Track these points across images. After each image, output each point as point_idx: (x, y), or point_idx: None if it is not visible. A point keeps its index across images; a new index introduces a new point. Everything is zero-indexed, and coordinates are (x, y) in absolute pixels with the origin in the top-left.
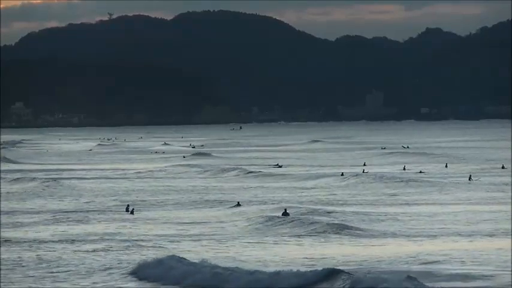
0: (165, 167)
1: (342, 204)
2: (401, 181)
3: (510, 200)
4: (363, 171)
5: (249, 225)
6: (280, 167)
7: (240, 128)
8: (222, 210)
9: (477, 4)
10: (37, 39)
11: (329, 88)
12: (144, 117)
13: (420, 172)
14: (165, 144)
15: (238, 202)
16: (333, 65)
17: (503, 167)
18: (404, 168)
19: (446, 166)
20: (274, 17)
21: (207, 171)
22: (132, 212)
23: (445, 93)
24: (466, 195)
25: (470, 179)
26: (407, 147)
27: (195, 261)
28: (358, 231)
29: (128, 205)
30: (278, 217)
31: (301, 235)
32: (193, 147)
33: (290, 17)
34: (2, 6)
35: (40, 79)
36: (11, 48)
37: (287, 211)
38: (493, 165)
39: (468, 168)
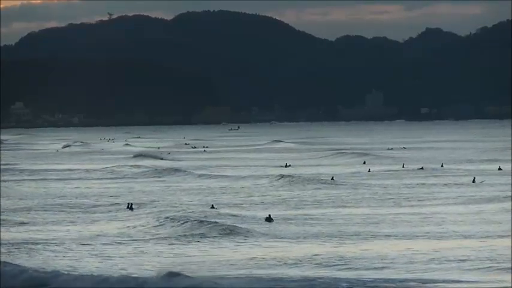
0: (104, 168)
1: (256, 208)
2: (325, 183)
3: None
4: (368, 171)
5: (133, 228)
6: (288, 166)
7: (238, 127)
8: (114, 213)
9: (477, 4)
10: (37, 39)
11: (329, 88)
12: (144, 117)
13: (421, 168)
14: (127, 145)
15: (131, 204)
16: (333, 65)
17: (499, 169)
18: (403, 166)
19: (442, 166)
20: (274, 17)
21: (139, 173)
22: (131, 208)
23: (445, 93)
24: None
25: (474, 181)
26: (404, 148)
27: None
28: (249, 235)
29: (129, 203)
30: (169, 219)
31: (182, 238)
32: (194, 148)
33: (290, 17)
34: (2, 6)
35: (40, 79)
36: (11, 48)
37: (271, 216)
38: (489, 167)
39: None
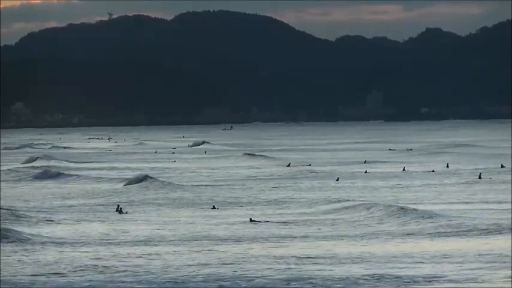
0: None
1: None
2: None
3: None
4: (365, 172)
5: None
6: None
7: (231, 127)
8: None
9: (477, 4)
10: (37, 39)
11: (329, 88)
12: (144, 117)
13: (432, 171)
14: (54, 147)
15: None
16: (333, 65)
17: (502, 166)
18: (404, 169)
19: (447, 166)
20: (274, 17)
21: (25, 174)
22: (120, 212)
23: (445, 93)
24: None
25: (480, 177)
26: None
27: None
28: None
29: (118, 205)
30: None
31: None
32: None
33: (290, 17)
34: (2, 6)
35: (40, 79)
36: (11, 48)
37: (253, 219)
38: (492, 164)
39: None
